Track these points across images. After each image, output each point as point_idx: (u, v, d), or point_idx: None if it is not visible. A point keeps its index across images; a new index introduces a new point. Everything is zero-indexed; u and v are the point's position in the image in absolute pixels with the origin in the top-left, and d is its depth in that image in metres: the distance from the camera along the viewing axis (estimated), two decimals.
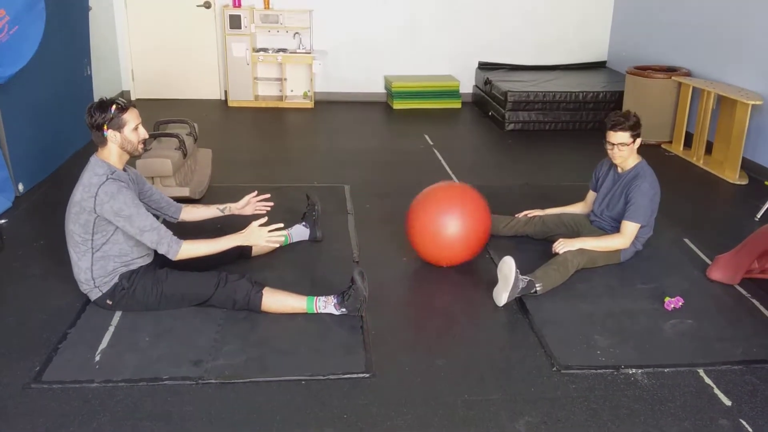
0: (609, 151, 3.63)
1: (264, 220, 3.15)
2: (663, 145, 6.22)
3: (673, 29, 6.60)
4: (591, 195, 3.95)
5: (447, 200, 3.56)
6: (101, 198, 2.87)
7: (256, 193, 3.55)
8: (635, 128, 3.56)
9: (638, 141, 3.60)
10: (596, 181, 3.84)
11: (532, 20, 7.81)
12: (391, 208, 4.52)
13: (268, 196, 3.54)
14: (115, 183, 2.91)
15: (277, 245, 3.55)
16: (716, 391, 2.68)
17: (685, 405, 2.60)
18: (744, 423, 2.50)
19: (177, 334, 2.95)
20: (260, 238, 3.12)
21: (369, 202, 4.62)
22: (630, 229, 3.57)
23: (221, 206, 3.51)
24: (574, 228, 3.85)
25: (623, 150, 3.57)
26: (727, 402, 2.62)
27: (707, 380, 2.75)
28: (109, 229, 2.96)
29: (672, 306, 3.26)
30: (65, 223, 3.03)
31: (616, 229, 3.68)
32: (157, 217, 3.22)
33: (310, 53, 7.49)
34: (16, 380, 2.63)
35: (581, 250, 3.51)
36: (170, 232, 3.00)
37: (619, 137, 3.55)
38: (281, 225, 3.15)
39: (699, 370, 2.81)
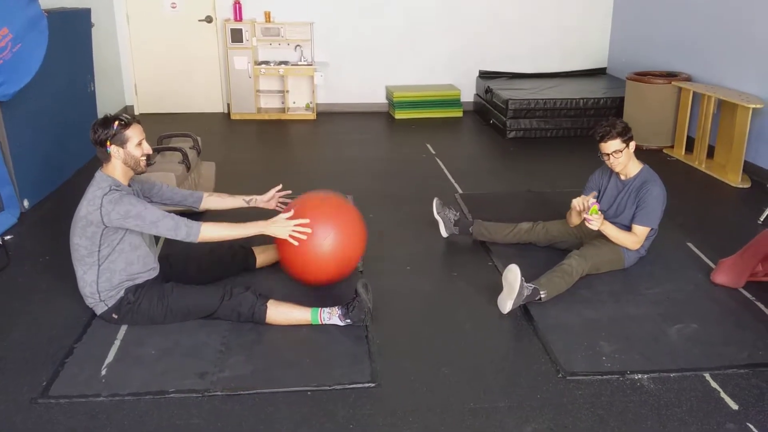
0: (607, 162, 3.64)
1: (291, 213, 3.16)
2: (665, 150, 6.22)
3: (672, 34, 6.62)
4: None
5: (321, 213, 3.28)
6: (107, 207, 2.89)
7: (280, 186, 3.56)
8: (624, 133, 3.56)
9: (632, 144, 3.61)
10: (598, 190, 3.83)
11: (532, 28, 7.84)
12: (394, 216, 4.53)
13: (290, 192, 3.56)
14: (117, 192, 2.93)
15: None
16: (723, 395, 2.68)
17: (691, 410, 2.59)
18: (751, 427, 2.49)
19: (182, 347, 2.96)
20: (283, 230, 3.12)
21: (372, 211, 4.62)
22: (641, 232, 3.58)
23: (247, 198, 3.50)
24: (577, 235, 3.85)
25: (619, 156, 3.58)
26: (734, 406, 2.61)
27: (713, 384, 2.74)
28: (116, 238, 2.97)
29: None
30: (70, 238, 3.04)
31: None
32: (183, 214, 3.17)
33: (311, 65, 7.53)
34: (23, 395, 2.64)
35: (585, 257, 3.51)
36: (185, 217, 3.00)
37: (611, 146, 3.56)
38: (307, 220, 3.14)
39: (705, 375, 2.80)
